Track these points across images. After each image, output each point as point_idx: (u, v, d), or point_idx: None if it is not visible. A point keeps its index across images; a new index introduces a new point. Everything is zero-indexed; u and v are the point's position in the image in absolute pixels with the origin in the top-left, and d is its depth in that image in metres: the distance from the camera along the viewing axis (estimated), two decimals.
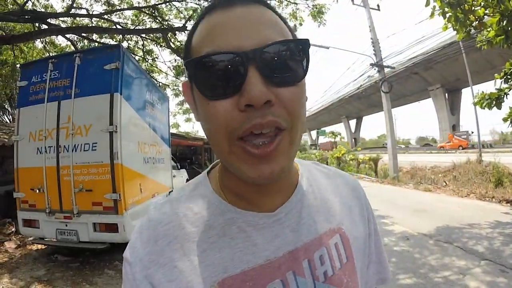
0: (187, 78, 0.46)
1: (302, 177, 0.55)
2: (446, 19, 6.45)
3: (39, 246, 5.05)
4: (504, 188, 8.40)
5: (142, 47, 9.08)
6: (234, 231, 0.47)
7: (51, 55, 9.14)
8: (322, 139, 59.22)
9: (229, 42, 0.39)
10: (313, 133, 63.67)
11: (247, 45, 0.38)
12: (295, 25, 8.31)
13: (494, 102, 7.40)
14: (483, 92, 7.69)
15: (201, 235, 0.47)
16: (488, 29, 6.35)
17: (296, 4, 7.94)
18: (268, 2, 0.46)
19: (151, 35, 8.74)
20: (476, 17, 6.22)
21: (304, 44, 0.42)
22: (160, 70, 10.08)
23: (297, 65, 0.41)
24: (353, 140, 55.05)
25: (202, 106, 0.42)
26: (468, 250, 4.29)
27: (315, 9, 7.76)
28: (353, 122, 58.19)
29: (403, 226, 5.75)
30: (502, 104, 7.28)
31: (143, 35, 8.63)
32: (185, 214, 0.49)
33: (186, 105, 11.31)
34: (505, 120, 7.41)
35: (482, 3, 5.85)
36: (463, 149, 27.20)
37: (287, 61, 0.40)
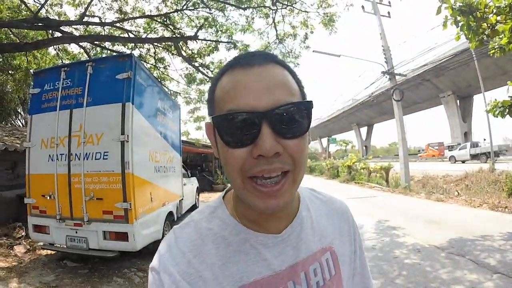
0: (210, 120, 0.55)
1: (302, 204, 0.65)
2: (459, 27, 6.41)
3: (48, 252, 5.09)
4: None
5: (154, 55, 9.17)
6: (248, 248, 0.57)
7: (63, 61, 9.32)
8: (333, 147, 58.83)
9: (248, 102, 0.47)
10: (324, 140, 63.25)
11: (262, 105, 0.47)
12: (306, 33, 8.39)
13: (507, 110, 7.28)
14: (496, 100, 7.57)
15: (221, 251, 0.56)
16: (501, 36, 6.28)
17: (307, 12, 8.01)
18: (282, 60, 0.55)
19: (163, 43, 8.83)
20: (489, 25, 6.16)
21: (308, 105, 0.51)
22: (172, 78, 10.17)
23: (302, 121, 0.50)
24: (364, 148, 54.49)
25: (222, 151, 0.51)
26: (480, 263, 4.20)
27: (326, 17, 7.82)
28: (364, 130, 57.76)
29: (414, 238, 5.67)
30: None
31: (155, 43, 8.71)
32: (207, 234, 0.58)
33: (197, 113, 11.40)
34: None
35: (494, 10, 5.80)
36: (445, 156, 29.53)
37: (294, 118, 0.49)
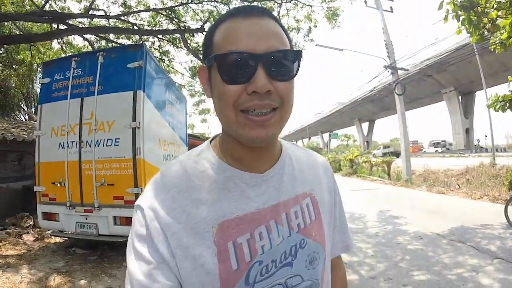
0: (205, 64, 0.60)
1: (284, 152, 0.69)
2: (460, 22, 6.48)
3: (57, 239, 5.16)
4: None
5: (158, 48, 9.23)
6: (232, 186, 0.60)
7: (68, 55, 9.36)
8: (334, 142, 58.95)
9: (247, 45, 0.53)
10: (325, 136, 63.18)
11: (259, 49, 0.53)
12: (309, 27, 8.51)
13: (507, 104, 7.35)
14: (496, 94, 7.66)
15: (205, 188, 0.59)
16: (501, 31, 6.35)
17: (311, 6, 8.07)
18: (276, 16, 0.65)
19: (168, 36, 8.87)
20: (489, 19, 6.23)
21: (298, 54, 0.58)
22: (176, 70, 10.21)
23: (291, 67, 0.56)
24: (366, 143, 54.62)
25: (219, 87, 0.55)
26: (481, 249, 4.33)
27: (329, 11, 7.90)
28: (365, 125, 57.78)
29: (416, 226, 5.79)
30: None
31: (160, 36, 8.76)
32: (193, 171, 0.61)
33: (202, 106, 11.46)
34: None
35: (495, 5, 5.87)
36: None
37: (285, 63, 0.55)
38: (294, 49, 0.59)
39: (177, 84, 10.02)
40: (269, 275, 0.59)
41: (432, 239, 4.95)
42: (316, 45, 11.87)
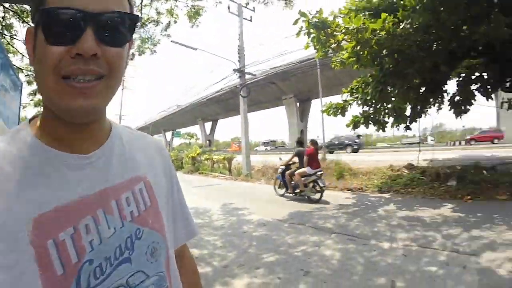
0: (33, 25, 0.51)
1: (115, 131, 0.63)
2: (310, 38, 7.63)
3: None
4: (344, 179, 10.40)
5: (1, 20, 7.09)
6: (50, 170, 0.50)
7: None
8: (177, 141, 59.58)
9: (79, 2, 0.46)
10: (168, 134, 62.58)
11: (90, 8, 0.46)
12: (169, 22, 8.44)
13: (339, 111, 9.15)
14: (331, 102, 9.42)
15: (18, 175, 0.48)
16: (344, 52, 7.79)
17: (176, 1, 7.96)
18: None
19: (15, 7, 6.91)
20: (336, 41, 7.55)
21: (134, 18, 0.53)
22: (17, 50, 8.04)
23: (125, 32, 0.51)
24: (208, 141, 56.75)
25: (41, 49, 0.48)
26: (319, 228, 5.08)
27: (192, 9, 7.94)
28: (208, 125, 60.30)
29: (259, 215, 6.24)
30: (346, 112, 9.13)
31: (6, 5, 6.63)
32: (4, 156, 0.49)
33: (38, 97, 9.41)
34: (348, 125, 9.32)
35: (343, 30, 7.10)
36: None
37: (118, 27, 0.50)
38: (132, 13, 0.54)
39: (15, 67, 7.89)
40: (106, 277, 0.50)
41: (274, 225, 5.48)
42: (171, 41, 11.58)
